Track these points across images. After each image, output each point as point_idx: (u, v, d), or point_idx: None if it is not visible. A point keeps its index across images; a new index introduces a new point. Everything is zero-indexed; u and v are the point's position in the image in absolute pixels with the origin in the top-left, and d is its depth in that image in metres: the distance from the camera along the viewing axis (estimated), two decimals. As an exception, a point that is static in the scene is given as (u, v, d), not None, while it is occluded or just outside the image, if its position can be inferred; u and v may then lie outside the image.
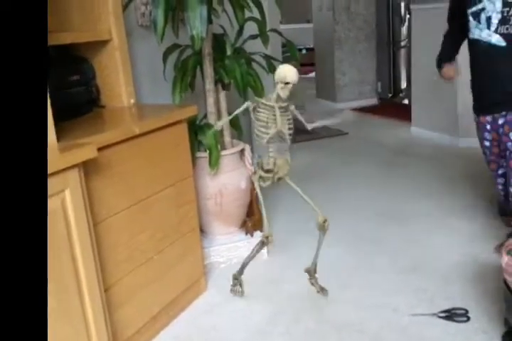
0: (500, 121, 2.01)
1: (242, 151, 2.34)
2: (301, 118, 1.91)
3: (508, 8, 1.84)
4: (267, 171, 1.90)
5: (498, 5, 1.84)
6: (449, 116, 4.05)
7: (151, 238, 1.80)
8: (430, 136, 4.30)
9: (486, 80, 1.99)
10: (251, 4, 2.22)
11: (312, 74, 7.03)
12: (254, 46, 2.41)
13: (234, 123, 2.40)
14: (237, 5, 2.11)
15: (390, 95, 6.39)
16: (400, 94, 6.25)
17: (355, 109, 5.86)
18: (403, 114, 5.04)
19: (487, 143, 2.17)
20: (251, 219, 2.39)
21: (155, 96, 2.43)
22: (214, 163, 2.14)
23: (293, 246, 2.48)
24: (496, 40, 1.88)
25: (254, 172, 2.00)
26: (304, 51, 8.23)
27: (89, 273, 1.39)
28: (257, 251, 2.00)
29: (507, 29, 1.85)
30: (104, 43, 1.93)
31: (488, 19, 1.85)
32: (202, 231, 2.27)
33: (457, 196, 3.03)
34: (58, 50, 1.81)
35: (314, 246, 2.03)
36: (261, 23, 2.21)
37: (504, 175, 2.18)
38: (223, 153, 2.22)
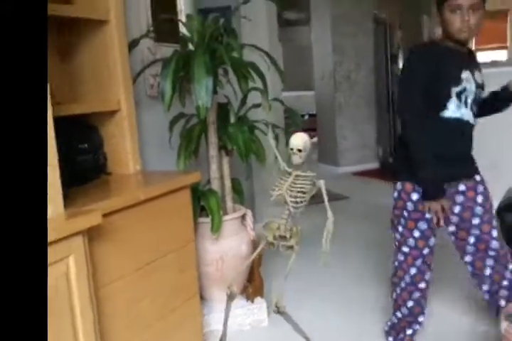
0: (461, 188, 1.97)
1: (243, 216, 2.37)
2: (325, 197, 1.89)
3: (479, 89, 1.95)
4: (281, 237, 1.88)
5: (473, 86, 1.93)
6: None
7: (151, 304, 1.79)
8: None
9: (454, 156, 1.99)
10: (254, 75, 2.33)
11: (315, 139, 7.19)
12: (257, 114, 2.51)
13: (236, 188, 2.45)
14: (241, 76, 2.21)
15: (391, 159, 6.49)
16: (401, 159, 6.33)
17: (356, 173, 5.94)
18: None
19: (429, 215, 2.03)
20: (251, 284, 2.38)
21: (160, 162, 2.50)
22: (216, 228, 2.16)
23: (293, 314, 2.45)
24: (471, 118, 1.97)
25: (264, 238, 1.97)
26: (306, 117, 8.45)
27: (88, 337, 1.38)
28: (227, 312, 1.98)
29: (474, 109, 1.97)
30: (113, 113, 2.01)
31: (466, 99, 1.93)
32: (201, 297, 2.26)
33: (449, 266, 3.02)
34: (68, 119, 1.90)
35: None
36: (263, 94, 2.32)
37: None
38: (225, 218, 2.25)
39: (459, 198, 1.97)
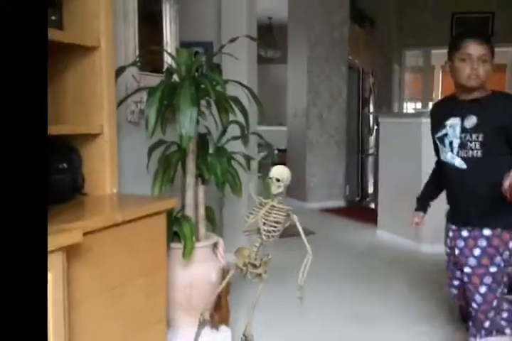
0: (465, 234, 2.09)
1: (215, 244, 2.41)
2: (302, 232, 2.02)
3: (465, 134, 2.03)
4: (250, 264, 1.94)
5: (458, 130, 2.04)
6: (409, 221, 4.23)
7: (119, 326, 1.79)
8: (395, 239, 4.46)
9: (455, 198, 2.16)
10: (236, 109, 2.42)
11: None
12: (234, 145, 2.59)
13: (209, 217, 2.49)
14: (222, 109, 2.30)
15: (358, 198, 6.65)
16: (367, 198, 6.51)
17: (323, 210, 6.04)
18: (369, 217, 5.23)
19: (448, 250, 2.26)
20: (218, 312, 2.39)
21: (136, 187, 2.53)
22: (188, 254, 2.19)
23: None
24: (459, 163, 2.06)
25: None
26: (276, 151, 8.58)
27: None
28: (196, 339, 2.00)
29: (466, 153, 2.03)
30: (95, 136, 2.05)
31: (451, 143, 2.06)
32: (167, 323, 2.26)
33: (416, 300, 3.10)
34: (49, 138, 1.93)
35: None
36: (244, 128, 2.40)
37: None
38: (197, 244, 2.28)
39: (460, 243, 2.11)
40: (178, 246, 2.25)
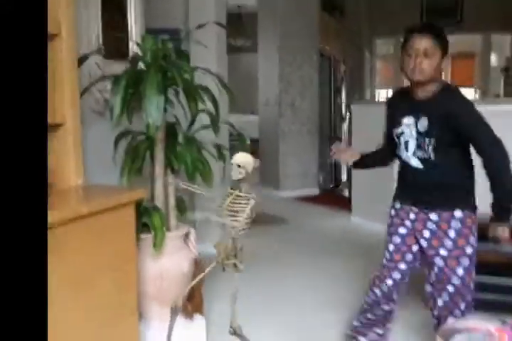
0: (435, 217, 2.06)
1: (186, 234, 2.38)
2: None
3: (420, 137, 2.01)
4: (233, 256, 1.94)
5: (414, 132, 2.02)
6: (386, 207, 4.26)
7: (90, 321, 1.75)
8: (369, 226, 4.49)
9: (415, 184, 2.11)
10: (205, 98, 2.37)
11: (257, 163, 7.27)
12: (204, 134, 2.54)
13: (179, 206, 2.45)
14: (191, 98, 2.25)
15: (331, 186, 6.67)
16: (340, 186, 6.54)
17: (297, 198, 6.05)
18: (343, 204, 5.26)
19: (403, 231, 2.16)
20: (192, 302, 2.37)
21: (103, 178, 2.47)
22: (159, 244, 2.16)
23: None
24: (415, 162, 2.05)
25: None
26: (248, 141, 8.56)
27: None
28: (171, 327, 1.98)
29: (422, 154, 2.02)
30: (58, 126, 1.99)
31: (406, 143, 2.05)
32: (140, 314, 2.22)
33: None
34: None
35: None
36: (214, 117, 2.36)
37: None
38: (168, 235, 2.25)
39: (431, 225, 2.06)
40: (148, 237, 2.21)
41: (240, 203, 1.95)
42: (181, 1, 3.68)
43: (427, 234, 2.06)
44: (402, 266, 2.13)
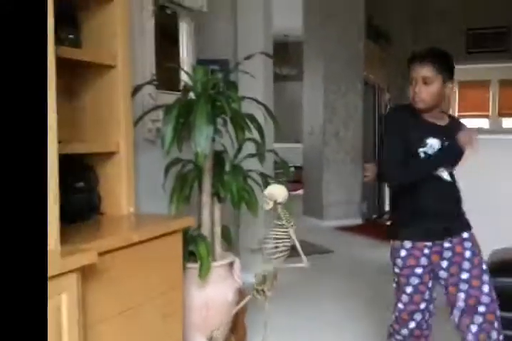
0: (447, 245, 2.03)
1: (231, 264, 2.37)
2: (298, 247, 2.01)
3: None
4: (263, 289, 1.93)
5: (436, 151, 2.01)
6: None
7: (134, 349, 1.76)
8: (414, 258, 4.37)
9: (434, 209, 2.04)
10: (251, 126, 2.40)
11: (299, 191, 7.25)
12: (250, 163, 2.56)
13: (225, 235, 2.46)
14: (238, 127, 2.28)
15: (375, 216, 6.57)
16: (384, 216, 6.42)
17: (339, 228, 5.97)
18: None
19: (419, 271, 2.06)
20: (235, 334, 2.35)
21: (152, 206, 2.51)
22: (204, 274, 2.16)
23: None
24: (446, 175, 2.04)
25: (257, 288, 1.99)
26: (292, 168, 8.56)
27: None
28: None
29: (449, 169, 2.04)
30: (111, 154, 2.05)
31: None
32: (184, 344, 2.22)
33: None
34: (65, 157, 1.93)
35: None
36: (260, 145, 2.38)
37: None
38: (214, 264, 2.25)
39: (447, 254, 2.02)
40: (194, 266, 2.22)
41: (277, 230, 1.96)
42: (230, 32, 3.77)
43: (444, 264, 2.02)
44: (423, 305, 2.06)
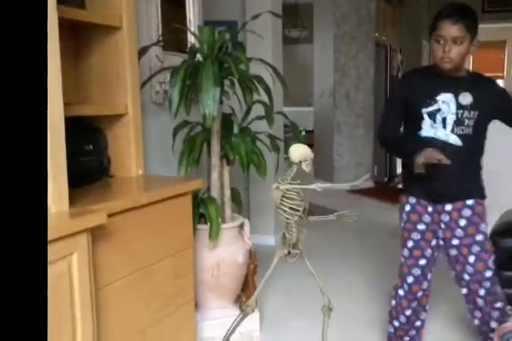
0: (448, 208, 2.04)
1: (241, 225, 2.40)
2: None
3: (462, 111, 1.95)
4: (293, 246, 1.91)
5: (453, 107, 1.95)
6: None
7: (147, 308, 1.80)
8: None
9: (436, 175, 1.99)
10: (260, 88, 2.37)
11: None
12: (259, 126, 2.55)
13: (235, 198, 2.47)
14: (246, 88, 2.26)
15: (386, 179, 6.56)
16: (395, 179, 6.41)
17: (351, 191, 5.97)
18: (398, 197, 5.14)
19: (421, 227, 2.10)
20: (246, 294, 2.39)
21: (162, 168, 2.52)
22: (214, 236, 2.18)
23: (285, 327, 2.46)
24: (453, 140, 1.98)
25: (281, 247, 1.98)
26: (303, 133, 8.52)
27: (87, 336, 1.39)
28: (238, 323, 1.98)
29: (462, 130, 1.96)
30: (119, 117, 2.04)
31: (444, 120, 1.96)
32: (195, 304, 2.26)
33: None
34: (74, 120, 1.93)
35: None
36: (268, 107, 2.35)
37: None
38: (223, 226, 2.27)
39: (445, 217, 2.04)
40: (204, 228, 2.24)
41: (292, 198, 1.93)
42: (238, -7, 3.69)
43: (442, 225, 2.05)
44: (422, 261, 2.09)
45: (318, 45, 6.40)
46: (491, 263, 2.04)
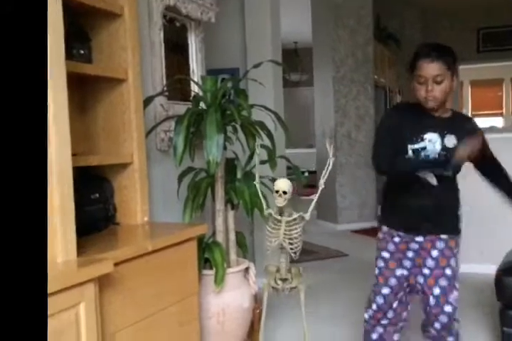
0: (420, 239, 2.07)
1: (246, 270, 2.40)
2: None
3: (445, 152, 1.98)
4: (282, 280, 1.92)
5: (438, 147, 1.99)
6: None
7: (153, 357, 1.79)
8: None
9: (411, 208, 2.06)
10: (262, 133, 2.43)
11: (313, 196, 7.25)
12: (262, 169, 2.59)
13: (240, 242, 2.49)
14: (249, 134, 2.32)
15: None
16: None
17: (355, 231, 5.96)
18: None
19: (386, 255, 2.14)
20: (252, 339, 2.37)
21: (166, 214, 2.55)
22: (219, 281, 2.19)
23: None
24: (433, 179, 2.01)
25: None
26: (306, 174, 8.57)
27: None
28: None
29: (440, 172, 1.99)
30: (125, 165, 2.09)
31: (427, 157, 2.00)
32: (202, 351, 2.24)
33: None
34: (81, 170, 1.97)
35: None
36: (271, 151, 2.41)
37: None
38: (229, 270, 2.28)
39: (414, 246, 2.08)
40: (209, 273, 2.25)
41: (296, 228, 1.95)
42: (239, 41, 3.81)
43: (410, 254, 2.09)
44: (385, 290, 2.12)
45: (319, 88, 6.54)
46: (452, 298, 2.04)
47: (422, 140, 2.01)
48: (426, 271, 2.05)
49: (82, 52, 2.03)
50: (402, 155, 2.02)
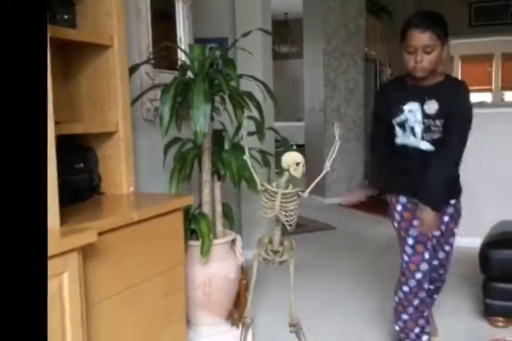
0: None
1: (233, 241, 2.40)
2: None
3: (427, 120, 2.00)
4: (274, 252, 1.89)
5: (419, 116, 2.00)
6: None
7: (137, 326, 1.79)
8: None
9: (414, 176, 2.09)
10: (250, 104, 2.39)
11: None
12: (250, 141, 2.55)
13: (226, 213, 2.48)
14: (237, 105, 2.28)
15: (377, 192, 6.56)
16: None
17: (343, 205, 5.98)
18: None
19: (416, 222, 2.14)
20: (238, 310, 2.38)
21: (153, 185, 2.53)
22: (206, 252, 2.18)
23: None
24: (425, 146, 2.03)
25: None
26: (294, 147, 8.55)
27: (77, 358, 1.38)
28: (245, 338, 1.96)
29: (431, 136, 2.01)
30: (110, 134, 2.05)
31: (412, 129, 2.02)
32: (187, 321, 2.25)
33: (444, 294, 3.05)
34: (65, 138, 1.93)
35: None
36: (259, 123, 2.38)
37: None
38: (215, 242, 2.27)
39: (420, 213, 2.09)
40: (195, 244, 2.24)
41: (292, 200, 1.92)
42: (228, 10, 3.73)
43: (415, 222, 2.15)
44: (427, 255, 2.11)
45: (308, 60, 6.46)
46: (448, 266, 2.30)
47: (402, 112, 2.03)
48: (436, 233, 2.17)
49: (66, 17, 1.96)
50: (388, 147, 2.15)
